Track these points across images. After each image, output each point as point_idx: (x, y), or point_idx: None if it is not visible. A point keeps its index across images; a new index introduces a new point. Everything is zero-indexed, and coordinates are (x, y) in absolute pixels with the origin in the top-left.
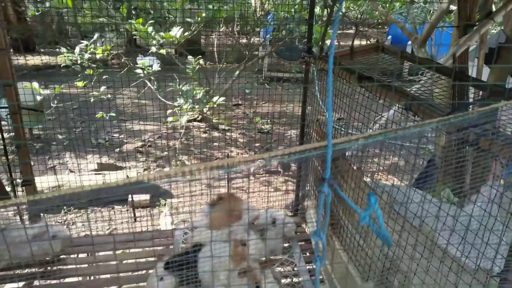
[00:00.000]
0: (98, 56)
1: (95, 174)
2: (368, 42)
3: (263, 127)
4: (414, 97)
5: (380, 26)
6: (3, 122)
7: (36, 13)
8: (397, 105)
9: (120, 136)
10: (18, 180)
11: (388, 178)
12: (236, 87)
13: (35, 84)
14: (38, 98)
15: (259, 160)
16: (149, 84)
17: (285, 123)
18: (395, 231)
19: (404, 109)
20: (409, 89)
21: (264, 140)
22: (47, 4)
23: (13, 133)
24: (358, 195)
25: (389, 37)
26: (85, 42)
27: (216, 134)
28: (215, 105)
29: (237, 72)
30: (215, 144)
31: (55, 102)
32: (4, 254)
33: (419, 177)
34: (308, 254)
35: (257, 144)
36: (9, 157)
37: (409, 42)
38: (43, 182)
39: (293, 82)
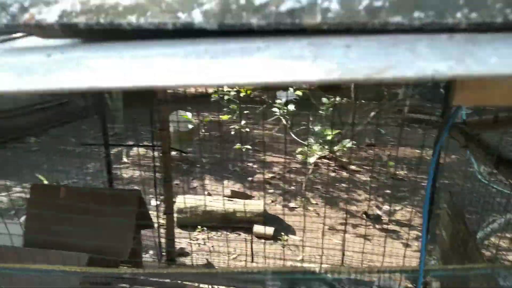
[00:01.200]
0: (241, 95)
1: (228, 199)
2: None
3: (397, 172)
4: None
5: None
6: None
7: None
8: None
9: (253, 166)
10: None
11: None
12: (371, 126)
13: (189, 114)
14: (190, 126)
15: None
16: (283, 121)
17: (423, 171)
18: None
19: None
20: None
21: (397, 187)
22: None
23: (164, 169)
24: None
25: None
26: None
27: (345, 174)
28: (344, 148)
29: (372, 113)
30: (342, 184)
31: (203, 130)
32: None
33: None
34: None
35: (387, 191)
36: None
37: None
38: (185, 199)
39: (435, 126)
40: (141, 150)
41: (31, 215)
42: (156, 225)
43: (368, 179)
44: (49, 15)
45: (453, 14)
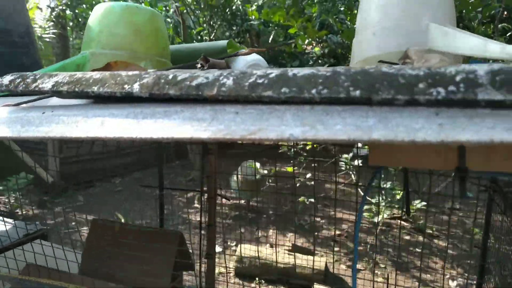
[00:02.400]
0: (307, 147)
1: (288, 254)
2: None
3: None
4: None
5: None
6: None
7: None
8: None
9: (321, 221)
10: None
11: None
12: (455, 189)
13: (257, 165)
14: (257, 176)
15: None
16: (352, 176)
17: None
18: None
19: None
20: None
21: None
22: None
23: (207, 214)
24: None
25: None
26: None
27: (421, 238)
28: (414, 210)
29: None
30: (417, 249)
31: (270, 180)
32: None
33: None
34: None
35: (469, 261)
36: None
37: None
38: (246, 249)
39: None
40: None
41: (88, 246)
42: (197, 267)
43: (449, 246)
44: (47, 85)
45: (309, 91)
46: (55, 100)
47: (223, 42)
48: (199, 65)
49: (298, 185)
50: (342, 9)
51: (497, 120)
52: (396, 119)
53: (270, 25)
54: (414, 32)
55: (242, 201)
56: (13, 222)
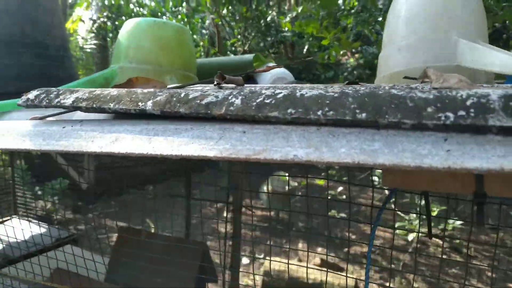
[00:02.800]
0: None
1: (317, 269)
2: None
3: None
4: None
5: None
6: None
7: None
8: None
9: (352, 236)
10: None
11: None
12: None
13: (286, 176)
14: (287, 188)
15: None
16: (386, 191)
17: None
18: None
19: None
20: None
21: None
22: None
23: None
24: None
25: None
26: None
27: (458, 258)
28: (452, 227)
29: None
30: (453, 270)
31: (299, 192)
32: None
33: None
34: None
35: (510, 284)
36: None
37: None
38: (274, 262)
39: None
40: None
41: (114, 254)
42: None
43: (487, 267)
44: (68, 100)
45: (315, 112)
46: (79, 114)
47: (250, 56)
48: (215, 82)
49: (329, 198)
50: (380, 19)
51: (509, 148)
52: (402, 143)
53: (304, 36)
54: (442, 47)
55: (272, 213)
56: (47, 226)
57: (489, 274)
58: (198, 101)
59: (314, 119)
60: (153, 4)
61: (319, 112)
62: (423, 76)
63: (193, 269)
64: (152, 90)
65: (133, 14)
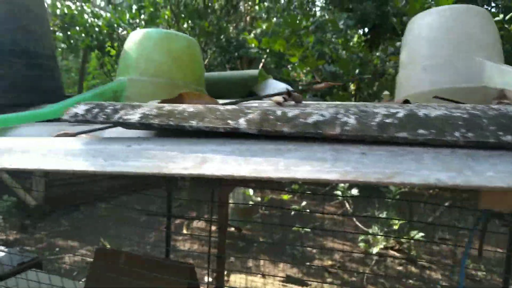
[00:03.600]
0: None
1: (282, 285)
2: None
3: (473, 272)
4: None
5: None
6: None
7: None
8: None
9: (312, 251)
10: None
11: None
12: (447, 218)
13: (251, 191)
14: (250, 203)
15: None
16: (347, 205)
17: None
18: None
19: None
20: None
21: None
22: None
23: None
24: None
25: None
26: None
27: (413, 269)
28: (411, 240)
29: (446, 203)
30: (410, 281)
31: (263, 208)
32: None
33: None
34: None
35: None
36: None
37: None
38: (237, 278)
39: None
40: (200, 224)
41: (92, 277)
42: None
43: (440, 277)
44: (133, 116)
45: (452, 133)
46: (113, 131)
47: (254, 71)
48: (281, 99)
49: (292, 213)
50: (333, 40)
51: None
52: None
53: (262, 52)
54: (467, 68)
55: (232, 229)
56: (6, 249)
57: (444, 283)
58: (303, 120)
59: (451, 141)
60: (108, 15)
61: (457, 133)
62: (499, 97)
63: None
64: (237, 107)
65: (87, 25)
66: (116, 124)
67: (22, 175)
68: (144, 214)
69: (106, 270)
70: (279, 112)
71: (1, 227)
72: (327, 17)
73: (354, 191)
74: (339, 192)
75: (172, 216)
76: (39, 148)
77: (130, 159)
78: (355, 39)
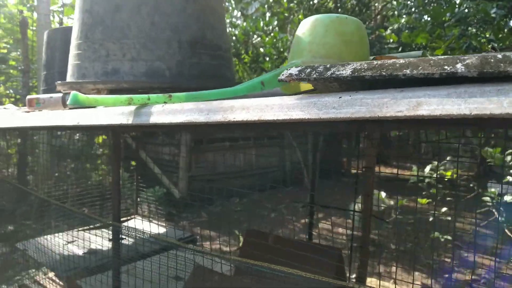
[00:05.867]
0: (446, 178)
1: None
2: None
3: None
4: None
5: None
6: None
7: None
8: None
9: (453, 262)
10: None
11: None
12: None
13: (383, 194)
14: (383, 206)
15: None
16: (496, 214)
17: None
18: None
19: None
20: None
21: None
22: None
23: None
24: None
25: None
26: (435, 162)
27: None
28: None
29: None
30: None
31: (397, 212)
32: None
33: None
34: None
35: None
36: None
37: None
38: (368, 283)
39: None
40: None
41: (243, 253)
42: None
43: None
44: (345, 72)
45: None
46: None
47: (418, 53)
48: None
49: (430, 219)
50: (480, 31)
51: None
52: None
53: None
54: None
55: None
56: (168, 227)
57: None
58: None
59: None
60: (244, 23)
61: None
62: None
63: (330, 275)
64: (451, 56)
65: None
66: (328, 80)
67: (169, 170)
68: (293, 203)
69: (256, 249)
70: (499, 55)
71: (154, 214)
72: (471, 6)
73: (508, 198)
74: (487, 199)
75: (315, 205)
76: (258, 105)
77: (343, 107)
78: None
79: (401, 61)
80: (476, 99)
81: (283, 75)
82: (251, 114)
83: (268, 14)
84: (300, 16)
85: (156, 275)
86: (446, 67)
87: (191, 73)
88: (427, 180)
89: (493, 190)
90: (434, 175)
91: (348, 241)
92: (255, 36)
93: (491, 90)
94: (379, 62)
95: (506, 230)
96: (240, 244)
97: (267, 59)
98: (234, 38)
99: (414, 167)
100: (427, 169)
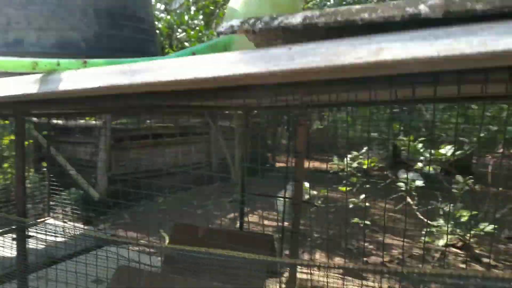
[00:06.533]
0: (364, 167)
1: (340, 276)
2: None
3: None
4: None
5: None
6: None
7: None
8: None
9: (369, 246)
10: None
11: None
12: None
13: (306, 184)
14: (306, 196)
15: None
16: (408, 199)
17: None
18: None
19: None
20: None
21: None
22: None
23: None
24: None
25: None
26: (354, 153)
27: (477, 267)
28: (481, 233)
29: None
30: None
31: (319, 201)
32: None
33: None
34: None
35: None
36: None
37: None
38: (296, 271)
39: None
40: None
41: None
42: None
43: (506, 276)
44: (294, 20)
45: None
46: None
47: None
48: None
49: (351, 206)
50: None
51: None
52: None
53: None
54: None
55: (286, 224)
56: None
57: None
58: None
59: None
60: (168, 17)
61: None
62: None
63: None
64: None
65: None
66: (276, 29)
67: (87, 170)
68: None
69: (185, 243)
70: None
71: (70, 218)
72: None
73: (419, 183)
74: (401, 185)
75: (249, 194)
76: (194, 62)
77: (295, 58)
78: None
79: (357, 6)
80: (443, 40)
81: (222, 27)
82: (186, 72)
83: (193, 8)
84: (226, 10)
85: (73, 279)
86: (408, 9)
87: (111, 46)
88: (347, 169)
89: (404, 176)
90: (353, 165)
91: (277, 232)
92: (180, 30)
93: (458, 30)
94: (332, 9)
95: (417, 213)
96: (167, 242)
97: None
98: (157, 31)
99: (335, 158)
100: (346, 160)
